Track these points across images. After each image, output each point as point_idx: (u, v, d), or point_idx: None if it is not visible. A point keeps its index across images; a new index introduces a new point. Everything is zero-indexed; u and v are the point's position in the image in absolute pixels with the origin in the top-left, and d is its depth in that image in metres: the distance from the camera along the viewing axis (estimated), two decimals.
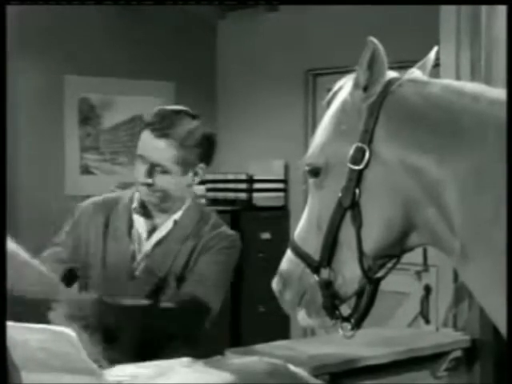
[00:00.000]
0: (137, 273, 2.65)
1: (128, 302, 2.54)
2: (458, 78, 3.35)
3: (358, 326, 1.80)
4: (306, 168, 1.78)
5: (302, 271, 1.78)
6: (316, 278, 1.76)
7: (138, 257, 2.66)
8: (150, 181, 2.60)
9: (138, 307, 2.54)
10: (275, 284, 1.84)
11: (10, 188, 2.91)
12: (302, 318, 1.83)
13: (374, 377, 2.98)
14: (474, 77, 3.29)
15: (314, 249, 1.76)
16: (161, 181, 2.60)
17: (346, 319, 1.79)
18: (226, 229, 2.74)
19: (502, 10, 3.07)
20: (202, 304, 2.57)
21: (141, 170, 2.61)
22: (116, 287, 2.62)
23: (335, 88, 1.81)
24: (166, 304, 2.56)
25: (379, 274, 1.75)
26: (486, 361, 3.38)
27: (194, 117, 2.66)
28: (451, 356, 3.28)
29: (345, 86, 1.77)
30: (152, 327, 2.53)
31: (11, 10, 2.84)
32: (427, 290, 3.95)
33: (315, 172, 1.76)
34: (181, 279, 2.63)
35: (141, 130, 2.66)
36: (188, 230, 2.67)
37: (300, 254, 1.79)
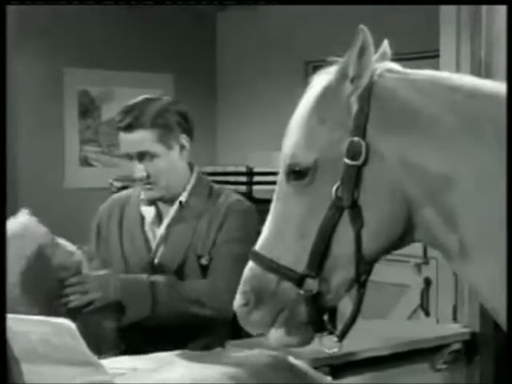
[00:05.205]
0: (156, 260, 2.68)
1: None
2: (457, 72, 3.33)
3: (342, 337, 1.67)
4: (288, 169, 1.64)
5: (277, 287, 1.63)
6: (300, 291, 1.61)
7: (154, 244, 2.71)
8: (144, 173, 2.63)
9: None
10: (239, 305, 1.68)
11: (10, 181, 2.91)
12: (276, 338, 1.67)
13: (373, 369, 2.98)
14: (473, 72, 3.27)
15: (294, 260, 1.62)
16: (153, 167, 2.63)
17: (331, 332, 1.67)
18: (237, 196, 2.77)
19: (502, 8, 3.05)
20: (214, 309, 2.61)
21: (133, 167, 2.66)
22: None
23: (311, 84, 1.69)
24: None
25: (363, 277, 1.63)
26: (485, 354, 3.38)
27: (158, 99, 2.75)
28: (451, 349, 3.28)
29: (319, 81, 1.67)
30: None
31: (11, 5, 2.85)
32: (427, 282, 3.95)
33: (301, 173, 1.61)
34: (202, 259, 2.65)
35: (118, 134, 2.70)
36: (198, 207, 2.69)
37: (274, 269, 1.63)
